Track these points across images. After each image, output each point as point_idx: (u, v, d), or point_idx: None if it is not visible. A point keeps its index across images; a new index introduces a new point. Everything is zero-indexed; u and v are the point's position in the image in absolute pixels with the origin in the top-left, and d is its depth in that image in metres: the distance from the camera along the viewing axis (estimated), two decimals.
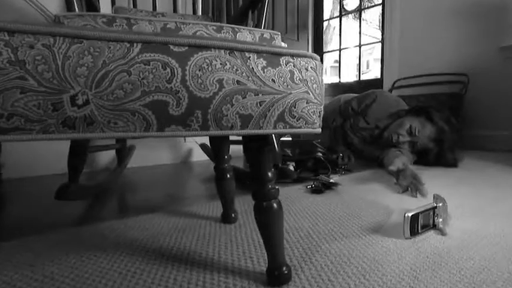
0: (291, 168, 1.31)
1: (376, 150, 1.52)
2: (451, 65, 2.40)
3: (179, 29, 0.84)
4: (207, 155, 1.49)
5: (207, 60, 0.32)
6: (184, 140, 1.64)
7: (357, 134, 1.67)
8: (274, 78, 0.35)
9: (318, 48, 3.42)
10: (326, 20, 3.53)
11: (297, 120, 0.37)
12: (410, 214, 0.58)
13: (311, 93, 0.37)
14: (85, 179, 1.13)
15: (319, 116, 0.39)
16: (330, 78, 5.02)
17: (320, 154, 1.41)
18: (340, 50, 3.30)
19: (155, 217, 0.70)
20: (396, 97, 1.69)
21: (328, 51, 3.52)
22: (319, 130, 0.39)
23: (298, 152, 1.45)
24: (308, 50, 3.38)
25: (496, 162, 1.56)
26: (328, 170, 1.29)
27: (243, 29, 0.92)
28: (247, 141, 0.42)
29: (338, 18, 3.33)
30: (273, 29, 2.98)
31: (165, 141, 1.57)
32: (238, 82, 0.33)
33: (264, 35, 0.95)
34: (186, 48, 0.32)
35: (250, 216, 0.71)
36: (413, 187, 0.91)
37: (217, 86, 0.32)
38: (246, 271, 0.46)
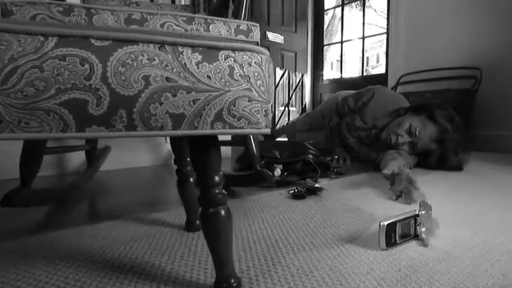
0: (278, 171, 1.31)
1: (374, 152, 1.52)
2: (462, 59, 2.38)
3: (145, 20, 0.84)
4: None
5: (132, 55, 0.32)
6: (166, 140, 1.64)
7: (354, 134, 1.67)
8: (210, 74, 0.35)
9: (318, 40, 3.42)
10: (328, 10, 3.53)
11: (238, 120, 0.37)
12: (386, 223, 0.57)
13: (254, 91, 0.37)
14: (50, 183, 1.13)
15: (266, 115, 0.39)
16: (333, 73, 4.99)
17: (311, 156, 1.41)
18: (342, 42, 3.29)
19: (116, 224, 0.71)
20: (396, 94, 1.68)
21: (329, 44, 3.51)
22: (267, 130, 0.39)
23: (288, 154, 1.45)
24: (307, 43, 3.39)
25: (506, 165, 1.55)
26: (317, 173, 1.29)
27: (217, 21, 0.92)
28: (191, 142, 0.42)
29: (340, 8, 3.32)
30: (268, 20, 2.98)
31: (144, 142, 1.57)
32: (167, 79, 0.33)
33: (241, 27, 0.95)
34: (110, 42, 0.32)
35: None
36: (407, 193, 0.91)
37: (143, 83, 0.32)
38: (195, 284, 0.46)
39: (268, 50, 3.02)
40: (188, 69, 0.34)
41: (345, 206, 0.85)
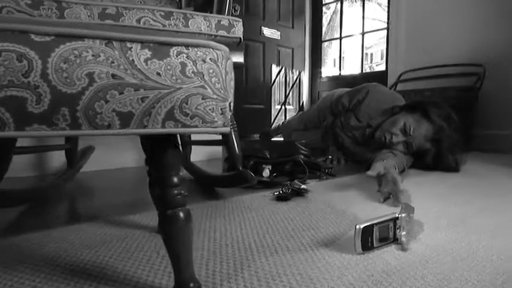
0: (266, 171, 1.32)
1: (368, 152, 1.52)
2: (464, 55, 2.38)
3: (121, 15, 0.84)
4: None
5: (75, 51, 0.32)
6: None
7: (348, 133, 1.67)
8: (160, 71, 0.35)
9: (316, 36, 3.42)
10: (327, 4, 3.52)
11: (191, 119, 0.37)
12: (361, 226, 0.57)
13: (209, 88, 0.37)
14: (28, 184, 1.13)
15: (223, 114, 0.39)
16: (335, 70, 4.94)
17: (302, 156, 1.41)
18: (340, 38, 3.29)
19: (88, 227, 0.71)
20: (392, 91, 1.68)
21: (328, 40, 3.51)
22: (224, 129, 0.39)
23: (278, 154, 1.45)
24: (305, 39, 3.39)
25: (506, 165, 1.55)
26: (305, 174, 1.29)
27: (197, 16, 0.92)
28: (148, 142, 0.42)
29: (339, 2, 3.32)
30: (263, 15, 2.98)
31: (130, 142, 1.57)
32: (113, 76, 0.33)
33: (222, 22, 0.95)
34: (53, 37, 0.32)
35: (198, 224, 0.71)
36: (394, 195, 0.90)
37: (87, 80, 0.32)
38: None
39: (264, 46, 3.02)
40: (136, 65, 0.34)
41: (329, 208, 0.85)
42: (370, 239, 0.58)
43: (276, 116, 3.16)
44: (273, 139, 2.81)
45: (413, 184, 1.16)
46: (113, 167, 1.50)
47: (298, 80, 3.31)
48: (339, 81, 3.27)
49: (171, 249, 0.42)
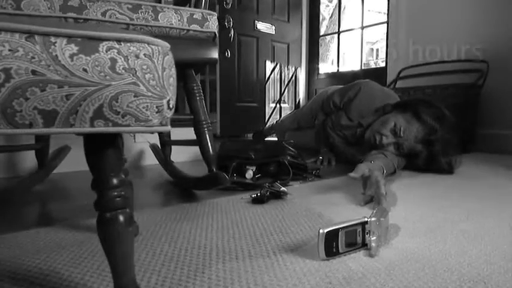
0: (250, 173, 1.32)
1: (359, 153, 1.52)
2: (467, 50, 2.37)
3: (84, 8, 0.84)
4: (156, 158, 1.50)
5: None
6: (134, 139, 1.65)
7: (339, 133, 1.67)
8: (86, 67, 0.35)
9: (313, 30, 3.42)
10: None
11: (123, 117, 0.37)
12: (325, 230, 0.57)
13: (142, 85, 0.37)
14: None
15: (159, 112, 0.38)
16: (334, 66, 4.91)
17: (289, 157, 1.40)
18: (339, 33, 3.29)
19: (46, 231, 0.71)
20: (385, 89, 1.68)
21: (325, 35, 3.50)
22: (162, 129, 0.39)
23: (264, 155, 1.44)
24: (301, 33, 3.39)
25: (506, 167, 1.55)
26: (294, 176, 1.30)
27: (168, 9, 0.92)
28: (84, 141, 0.42)
29: None
30: (257, 8, 2.98)
31: None
32: (34, 72, 0.33)
33: (195, 16, 0.95)
34: None
35: (163, 228, 0.71)
36: (376, 198, 0.90)
37: (3, 76, 0.32)
38: None
39: (257, 41, 3.02)
40: (60, 61, 0.34)
41: (304, 211, 0.85)
42: (335, 244, 0.58)
43: (271, 115, 3.16)
44: (266, 139, 2.82)
45: (403, 186, 1.16)
46: None
47: (294, 76, 3.31)
48: (337, 78, 3.26)
49: (109, 254, 0.42)
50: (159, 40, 0.40)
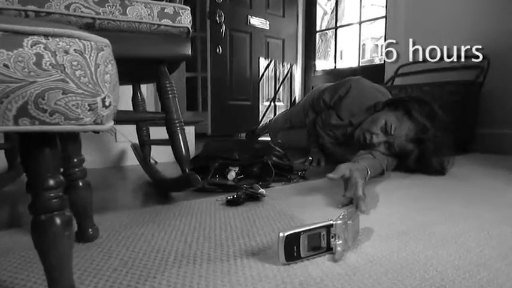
0: (232, 174, 1.32)
1: (349, 153, 1.51)
2: (466, 46, 2.36)
3: (47, 0, 0.84)
4: (137, 158, 1.50)
5: None
6: (115, 139, 1.65)
7: (329, 132, 1.66)
8: (8, 63, 0.35)
9: (310, 26, 3.41)
10: None
11: (51, 116, 0.37)
12: (285, 234, 0.57)
13: (71, 82, 0.37)
14: None
15: (92, 110, 0.39)
16: (340, 63, 4.88)
17: (274, 158, 1.40)
18: (336, 28, 3.28)
19: (7, 234, 0.71)
20: (378, 86, 1.67)
21: (322, 30, 3.50)
22: (95, 127, 0.39)
23: (249, 155, 1.44)
24: (297, 28, 3.39)
25: (503, 168, 1.54)
26: (278, 177, 1.30)
27: (136, 2, 0.92)
28: (19, 140, 0.42)
29: None
30: (250, 2, 2.98)
31: (90, 141, 1.58)
32: None
33: (166, 10, 0.95)
34: None
35: (126, 231, 0.71)
36: (355, 200, 0.90)
37: None
38: None
39: (251, 36, 3.02)
40: None
41: (278, 213, 0.85)
42: (296, 248, 0.58)
43: (265, 114, 3.16)
44: (260, 139, 2.82)
45: (390, 187, 1.16)
46: None
47: (289, 74, 3.31)
48: (335, 75, 3.26)
49: (44, 259, 0.42)
50: (93, 35, 0.40)
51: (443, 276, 0.53)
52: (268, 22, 3.08)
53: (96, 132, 0.42)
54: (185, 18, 0.93)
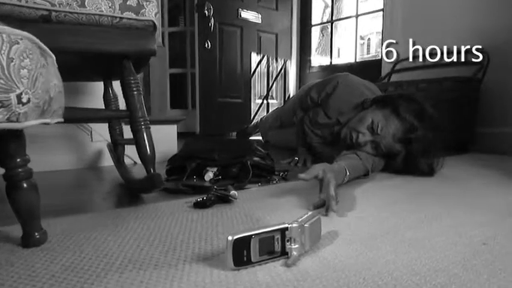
0: (209, 175, 1.32)
1: (336, 153, 1.51)
2: (465, 41, 2.35)
3: None
4: (112, 159, 1.50)
5: None
6: (91, 138, 1.65)
7: (316, 131, 1.66)
8: None
9: (305, 19, 3.41)
10: None
11: None
12: (234, 237, 0.57)
13: None
14: None
15: (4, 107, 0.38)
16: (334, 59, 4.89)
17: (256, 158, 1.40)
18: (332, 22, 3.28)
19: None
20: (367, 82, 1.67)
21: (318, 24, 3.50)
22: (11, 125, 0.39)
23: (230, 155, 1.44)
24: (291, 22, 3.38)
25: (498, 169, 1.54)
26: (259, 178, 1.30)
27: None
28: None
29: None
30: None
31: (63, 141, 1.58)
32: None
33: (128, 2, 0.95)
34: None
35: (78, 235, 0.71)
36: (326, 202, 0.90)
37: None
38: None
39: (241, 30, 3.02)
40: None
41: (245, 216, 0.85)
42: (246, 252, 0.57)
43: (257, 112, 3.15)
44: (251, 138, 2.82)
45: (372, 189, 1.16)
46: (41, 169, 1.51)
47: (283, 70, 3.30)
48: (331, 71, 3.25)
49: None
50: (6, 27, 0.40)
51: (398, 282, 0.53)
52: (260, 15, 3.08)
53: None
54: (150, 11, 0.93)
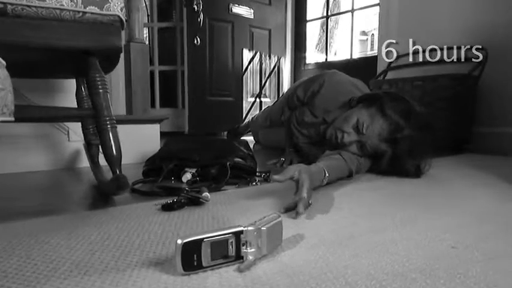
0: (187, 176, 1.31)
1: (322, 153, 1.51)
2: (463, 37, 2.35)
3: None
4: (88, 159, 1.50)
5: None
6: (68, 138, 1.65)
7: (303, 131, 1.66)
8: None
9: (300, 14, 3.40)
10: None
11: None
12: (183, 241, 0.56)
13: None
14: None
15: None
16: (338, 56, 4.89)
17: (237, 159, 1.40)
18: (327, 17, 3.27)
19: None
20: (355, 80, 1.66)
21: (312, 20, 3.50)
22: None
23: (211, 156, 1.44)
24: (286, 18, 3.38)
25: (486, 171, 1.53)
26: (239, 179, 1.30)
27: None
28: None
29: None
30: None
31: (39, 140, 1.58)
32: None
33: None
34: None
35: (30, 240, 0.71)
36: (298, 204, 0.89)
37: None
38: None
39: (232, 26, 3.02)
40: None
41: (212, 219, 0.85)
42: (197, 256, 0.57)
43: (249, 111, 3.15)
44: (241, 137, 2.81)
45: (352, 191, 1.16)
46: (14, 170, 1.51)
47: (277, 67, 3.30)
48: (326, 68, 3.24)
49: None
50: None
51: (351, 287, 0.53)
52: (252, 10, 3.08)
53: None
54: (115, 5, 0.93)
